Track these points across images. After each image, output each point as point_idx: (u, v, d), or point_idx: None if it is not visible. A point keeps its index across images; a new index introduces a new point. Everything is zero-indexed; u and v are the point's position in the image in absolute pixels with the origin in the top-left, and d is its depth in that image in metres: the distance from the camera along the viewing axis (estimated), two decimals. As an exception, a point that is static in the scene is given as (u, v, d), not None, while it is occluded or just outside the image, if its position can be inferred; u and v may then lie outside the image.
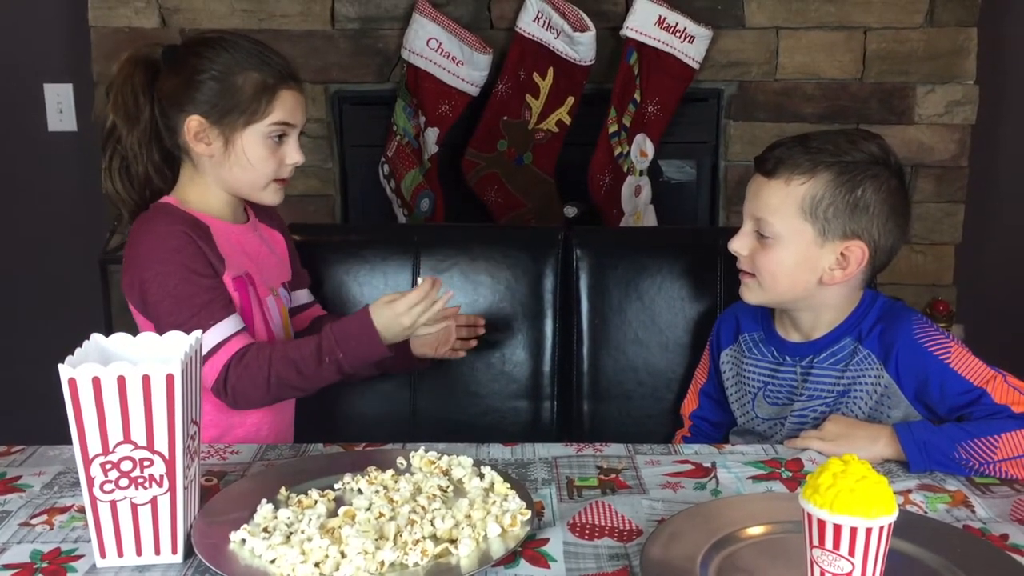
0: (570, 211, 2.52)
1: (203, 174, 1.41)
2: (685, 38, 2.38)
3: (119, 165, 1.42)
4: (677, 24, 2.36)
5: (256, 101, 1.36)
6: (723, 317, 1.51)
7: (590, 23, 2.32)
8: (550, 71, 2.38)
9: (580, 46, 2.33)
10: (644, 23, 2.35)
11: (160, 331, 1.07)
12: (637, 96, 2.41)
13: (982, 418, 1.22)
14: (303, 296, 1.60)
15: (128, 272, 1.38)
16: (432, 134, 2.40)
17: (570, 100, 2.41)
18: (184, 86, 1.37)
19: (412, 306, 1.32)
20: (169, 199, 1.42)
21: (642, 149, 2.45)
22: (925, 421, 1.24)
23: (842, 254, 1.29)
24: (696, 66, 2.41)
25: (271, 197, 1.44)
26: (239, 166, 1.39)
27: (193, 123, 1.37)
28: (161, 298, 1.33)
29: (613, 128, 2.40)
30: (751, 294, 1.35)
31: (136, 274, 1.36)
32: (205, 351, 1.32)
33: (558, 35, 2.34)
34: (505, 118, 2.43)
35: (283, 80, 1.39)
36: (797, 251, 1.29)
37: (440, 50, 2.36)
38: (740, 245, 1.34)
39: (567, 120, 2.42)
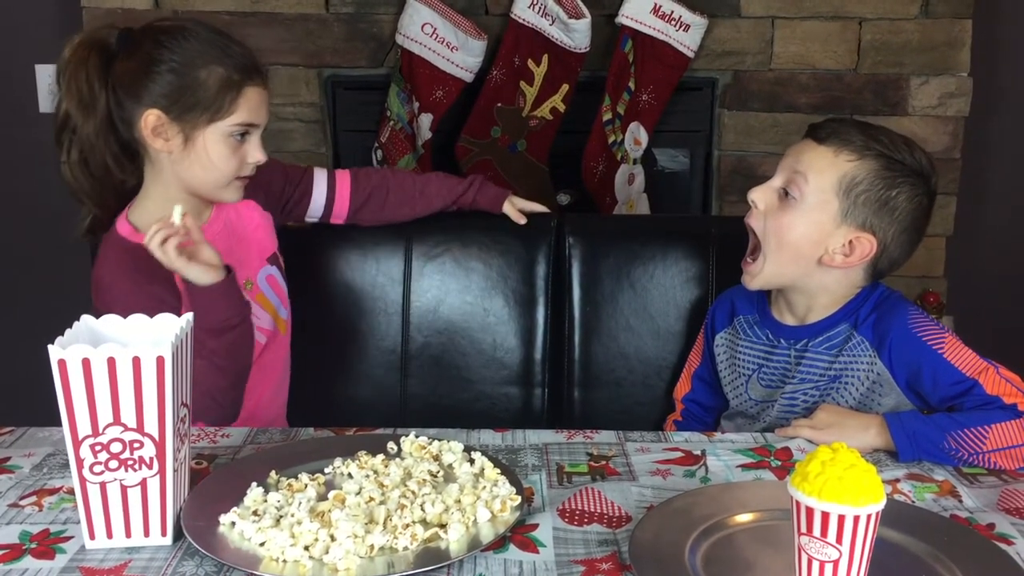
0: (563, 199, 2.52)
1: (162, 172, 1.35)
2: (680, 26, 2.37)
3: (77, 157, 1.34)
4: (672, 12, 2.36)
5: (220, 98, 1.30)
6: (719, 300, 1.52)
7: (585, 10, 2.31)
8: (545, 58, 2.38)
9: (575, 33, 2.32)
10: (639, 11, 2.35)
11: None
12: (631, 84, 2.41)
13: (972, 409, 1.22)
14: (320, 195, 1.56)
15: (94, 292, 1.36)
16: (426, 120, 2.40)
17: (564, 87, 2.40)
18: (142, 76, 1.29)
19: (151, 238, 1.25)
20: (122, 224, 1.37)
21: (636, 137, 2.45)
22: (915, 411, 1.25)
23: (851, 242, 1.30)
24: (691, 55, 2.41)
25: (232, 195, 1.39)
26: (199, 165, 1.32)
27: (151, 117, 1.30)
28: (112, 283, 1.32)
29: (607, 116, 2.40)
30: (753, 279, 1.36)
31: (98, 292, 1.35)
32: None
33: (553, 22, 2.34)
34: (499, 105, 2.42)
35: (248, 76, 1.32)
36: (813, 221, 1.30)
37: (435, 35, 2.35)
38: (760, 196, 1.34)
39: (561, 107, 2.42)
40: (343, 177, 1.60)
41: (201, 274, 1.27)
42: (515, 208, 1.65)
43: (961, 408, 1.24)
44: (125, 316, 1.19)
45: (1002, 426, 1.18)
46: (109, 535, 0.97)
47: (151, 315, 1.19)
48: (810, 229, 1.30)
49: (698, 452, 1.21)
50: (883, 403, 1.31)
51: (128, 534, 0.98)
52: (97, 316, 1.13)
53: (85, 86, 1.30)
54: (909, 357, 1.28)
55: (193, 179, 1.35)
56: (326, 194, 1.59)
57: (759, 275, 1.35)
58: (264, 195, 1.51)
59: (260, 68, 1.35)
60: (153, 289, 1.32)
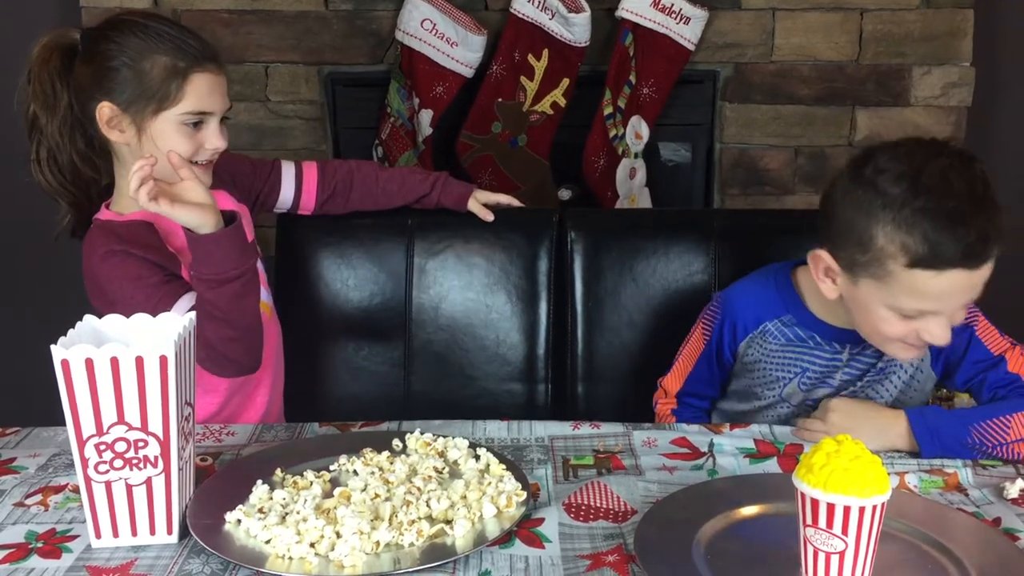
0: (565, 194, 2.51)
1: (125, 164, 1.35)
2: (681, 19, 2.37)
3: (46, 155, 1.36)
4: (673, 5, 2.35)
5: (165, 87, 1.30)
6: (734, 309, 1.41)
7: (585, 4, 2.30)
8: (545, 52, 2.37)
9: (575, 27, 2.32)
10: (639, 4, 2.34)
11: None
12: (632, 78, 2.40)
13: (992, 401, 1.24)
14: (288, 189, 1.57)
15: (95, 298, 1.35)
16: (426, 116, 2.39)
17: (565, 82, 2.39)
18: (95, 72, 1.31)
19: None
20: (104, 213, 1.37)
21: (637, 131, 2.44)
22: (937, 407, 1.24)
23: None
24: (692, 47, 2.40)
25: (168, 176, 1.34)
26: (156, 154, 1.30)
27: (104, 110, 1.31)
28: (128, 312, 1.30)
29: (608, 110, 2.39)
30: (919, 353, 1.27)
31: (104, 298, 1.32)
32: None
33: (553, 16, 2.33)
34: (499, 100, 2.41)
35: (196, 63, 1.32)
36: None
37: (434, 31, 2.34)
38: (950, 333, 1.21)
39: (562, 102, 2.41)
40: (310, 170, 1.61)
41: (190, 216, 1.25)
42: (480, 205, 1.63)
43: (983, 383, 1.26)
44: (128, 288, 1.22)
45: (1021, 415, 1.18)
46: (115, 534, 0.98)
47: (154, 283, 1.23)
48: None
49: (705, 448, 1.20)
50: (923, 389, 1.33)
51: (134, 533, 0.98)
52: (100, 311, 1.14)
53: (48, 86, 1.34)
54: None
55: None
56: (294, 187, 1.60)
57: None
58: (234, 188, 1.51)
59: (213, 55, 1.35)
60: (149, 256, 1.31)
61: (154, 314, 1.17)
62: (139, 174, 1.22)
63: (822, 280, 1.25)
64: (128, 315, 1.09)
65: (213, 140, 1.35)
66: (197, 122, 1.33)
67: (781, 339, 1.36)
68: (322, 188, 1.61)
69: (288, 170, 1.60)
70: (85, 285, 1.38)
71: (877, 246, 1.15)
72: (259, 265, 1.47)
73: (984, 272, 1.18)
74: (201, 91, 1.32)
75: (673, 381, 1.51)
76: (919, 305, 1.17)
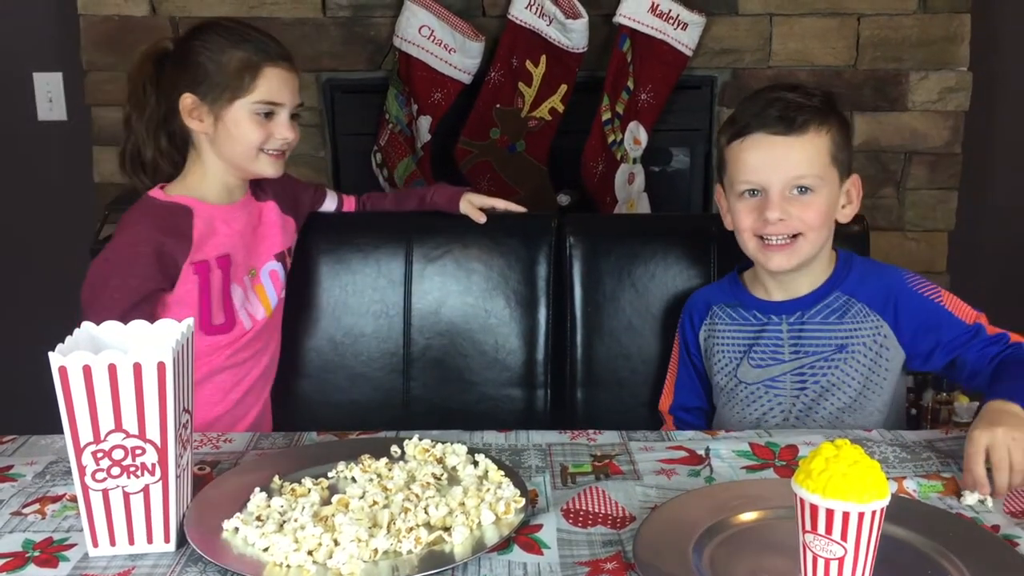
0: (563, 199, 2.51)
1: (202, 153, 1.48)
2: (678, 25, 2.37)
3: (131, 149, 1.50)
4: (670, 11, 2.35)
5: (239, 77, 1.43)
6: (690, 303, 1.53)
7: (583, 10, 2.31)
8: (543, 59, 2.37)
9: (573, 33, 2.32)
10: (637, 10, 2.34)
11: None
12: (630, 83, 2.40)
13: (1003, 367, 1.26)
14: (331, 206, 1.71)
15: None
16: (425, 122, 2.39)
17: (563, 88, 2.40)
18: (181, 69, 1.46)
19: None
20: (155, 191, 1.48)
21: (635, 137, 2.44)
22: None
23: (848, 191, 1.38)
24: (689, 53, 2.40)
25: (266, 168, 1.49)
26: (230, 139, 1.45)
27: (187, 100, 1.44)
28: (97, 268, 1.40)
29: (606, 116, 2.39)
30: (788, 259, 1.35)
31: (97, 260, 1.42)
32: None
33: (551, 22, 2.33)
34: (498, 106, 2.42)
35: (269, 59, 1.45)
36: (830, 197, 1.35)
37: (432, 38, 2.35)
38: (783, 211, 1.33)
39: (560, 108, 2.41)
40: (349, 203, 1.74)
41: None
42: (474, 207, 1.66)
43: (968, 349, 1.30)
44: (127, 252, 1.40)
45: None
46: (112, 542, 0.97)
47: (150, 260, 1.39)
48: (830, 205, 1.36)
49: (702, 452, 1.20)
50: (890, 367, 1.35)
51: (131, 541, 0.97)
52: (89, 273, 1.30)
53: (140, 88, 1.49)
54: (915, 315, 1.33)
55: (227, 153, 1.47)
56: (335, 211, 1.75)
57: (803, 254, 1.35)
58: (283, 201, 1.60)
59: (284, 53, 1.48)
60: (167, 241, 1.41)
61: (100, 298, 1.37)
62: None
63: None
64: (95, 267, 1.30)
65: (282, 130, 1.47)
66: (268, 112, 1.46)
67: (727, 319, 1.45)
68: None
69: (331, 198, 1.72)
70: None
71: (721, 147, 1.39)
72: (283, 279, 1.58)
73: (800, 142, 1.31)
74: (272, 84, 1.45)
75: (665, 398, 1.55)
76: (746, 177, 1.34)
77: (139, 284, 1.38)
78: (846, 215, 1.39)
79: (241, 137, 1.45)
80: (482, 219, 1.65)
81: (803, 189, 1.33)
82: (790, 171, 1.32)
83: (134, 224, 1.44)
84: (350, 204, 1.74)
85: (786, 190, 1.33)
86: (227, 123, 1.44)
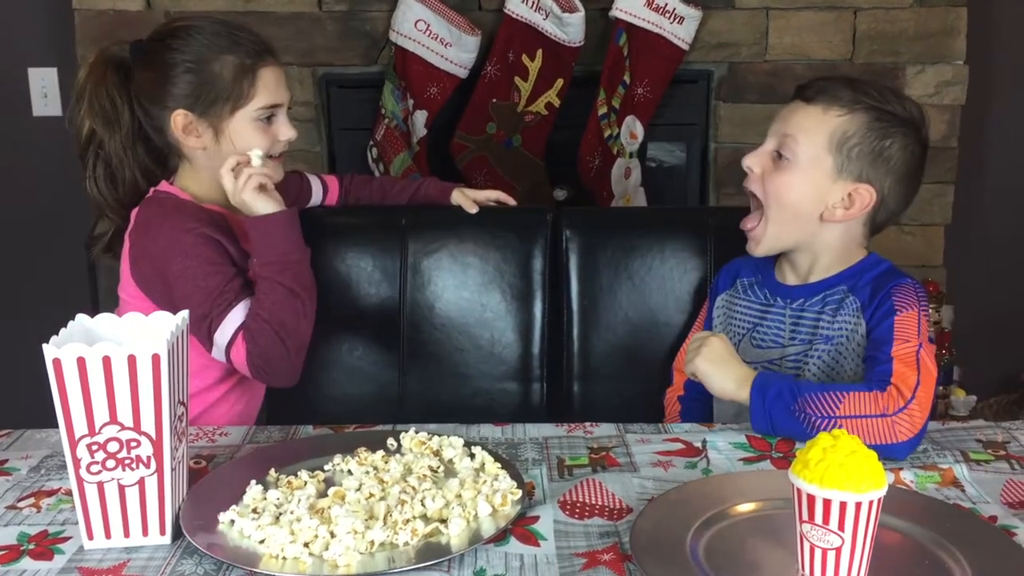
0: (560, 194, 2.51)
1: (199, 168, 1.39)
2: (675, 19, 2.37)
3: (103, 172, 1.39)
4: (666, 5, 2.35)
5: (238, 86, 1.34)
6: (726, 266, 1.53)
7: (579, 4, 2.30)
8: (539, 53, 2.37)
9: (569, 27, 2.32)
10: (633, 4, 2.34)
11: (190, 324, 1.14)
12: (627, 78, 2.40)
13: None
14: (317, 197, 1.67)
15: (144, 263, 1.36)
16: (421, 117, 2.39)
17: (559, 82, 2.39)
18: (161, 81, 1.34)
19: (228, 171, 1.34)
20: (172, 189, 1.40)
21: (632, 131, 2.44)
22: (790, 377, 1.26)
23: (849, 195, 1.32)
24: (686, 47, 2.40)
25: (272, 174, 1.41)
26: (232, 152, 1.36)
27: (179, 118, 1.35)
28: (191, 292, 1.32)
29: (603, 110, 2.39)
30: (758, 245, 1.37)
31: (158, 267, 1.34)
32: (227, 340, 1.34)
33: (547, 16, 2.33)
34: (494, 100, 2.41)
35: (260, 58, 1.36)
36: (810, 179, 1.32)
37: (428, 32, 2.34)
38: (754, 161, 1.36)
39: (556, 102, 2.41)
40: (332, 185, 1.70)
41: (267, 205, 1.34)
42: (466, 196, 1.65)
43: (867, 365, 1.27)
44: (200, 269, 1.32)
45: (858, 395, 1.17)
46: (107, 535, 0.97)
47: (224, 272, 1.34)
48: (807, 187, 1.32)
49: (699, 444, 1.20)
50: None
51: (127, 534, 0.97)
52: (147, 283, 1.30)
53: (108, 102, 1.36)
54: (878, 314, 1.30)
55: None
56: (321, 196, 1.71)
57: (764, 239, 1.37)
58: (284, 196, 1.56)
59: (270, 48, 1.39)
60: (204, 230, 1.35)
61: (214, 303, 1.30)
62: (245, 174, 1.31)
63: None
64: (184, 296, 1.24)
65: (285, 131, 1.40)
66: (269, 116, 1.38)
67: (743, 294, 1.46)
68: (343, 197, 1.70)
69: (315, 183, 1.68)
70: (134, 249, 1.37)
71: None
72: None
73: (805, 109, 1.32)
74: (270, 85, 1.37)
75: (681, 354, 1.53)
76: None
77: (219, 280, 1.34)
78: (836, 217, 1.32)
79: (245, 148, 1.36)
80: (474, 209, 1.64)
81: (780, 156, 1.33)
82: (781, 128, 1.34)
83: (179, 219, 1.35)
84: (334, 185, 1.69)
85: (773, 151, 1.34)
86: (229, 135, 1.36)
